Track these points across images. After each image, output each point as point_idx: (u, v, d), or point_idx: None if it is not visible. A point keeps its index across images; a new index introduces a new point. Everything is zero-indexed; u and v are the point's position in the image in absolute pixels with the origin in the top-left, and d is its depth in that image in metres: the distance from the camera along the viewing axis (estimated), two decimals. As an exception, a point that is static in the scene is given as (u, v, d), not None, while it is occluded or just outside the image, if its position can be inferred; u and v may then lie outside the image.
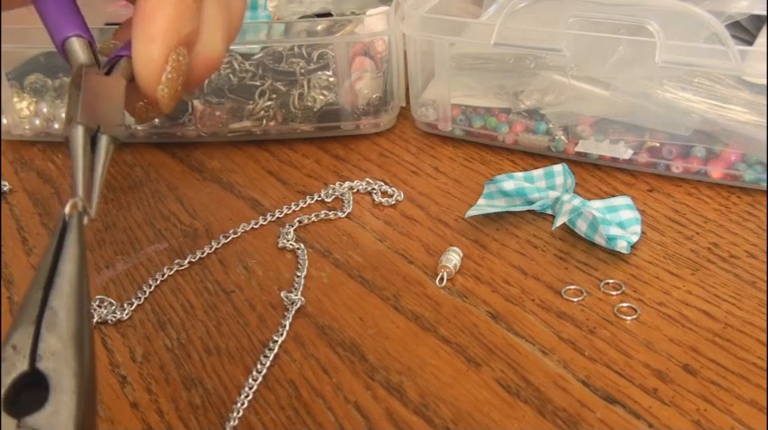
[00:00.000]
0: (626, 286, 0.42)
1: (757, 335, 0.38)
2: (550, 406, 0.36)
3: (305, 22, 0.59)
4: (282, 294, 0.43)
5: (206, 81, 0.58)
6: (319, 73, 0.58)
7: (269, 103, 0.59)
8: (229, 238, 0.49)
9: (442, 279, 0.44)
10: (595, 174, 0.53)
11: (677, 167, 0.51)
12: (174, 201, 0.54)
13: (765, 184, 0.49)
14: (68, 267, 0.24)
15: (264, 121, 0.59)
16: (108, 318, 0.43)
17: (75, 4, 0.33)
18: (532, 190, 0.48)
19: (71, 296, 0.24)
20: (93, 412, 0.24)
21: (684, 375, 0.37)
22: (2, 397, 0.22)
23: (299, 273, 0.45)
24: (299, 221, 0.50)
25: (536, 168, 0.50)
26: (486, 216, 0.49)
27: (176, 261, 0.47)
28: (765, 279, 0.42)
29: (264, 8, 0.62)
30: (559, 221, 0.45)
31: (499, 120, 0.56)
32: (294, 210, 0.52)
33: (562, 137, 0.54)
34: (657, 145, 0.51)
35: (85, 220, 0.26)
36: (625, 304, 0.41)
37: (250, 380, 0.38)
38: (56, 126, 0.62)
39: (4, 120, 0.62)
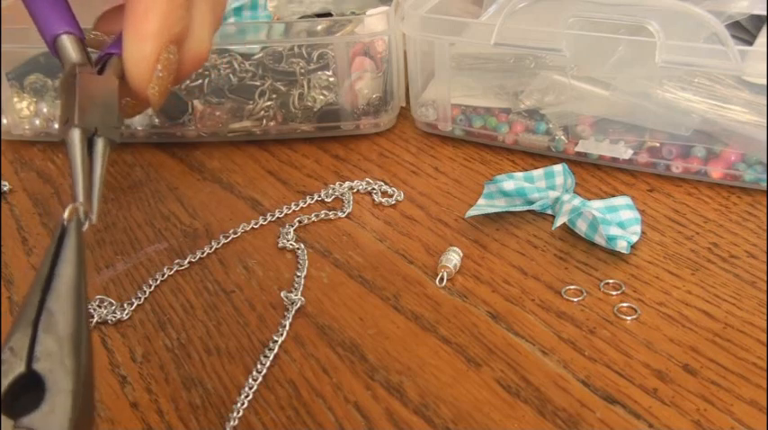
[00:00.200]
0: (626, 286, 0.42)
1: (757, 335, 0.38)
2: (550, 406, 0.36)
3: (305, 22, 0.59)
4: (282, 294, 0.43)
5: (206, 81, 0.58)
6: (319, 73, 0.58)
7: (269, 103, 0.59)
8: (229, 238, 0.49)
9: (442, 279, 0.44)
10: (595, 174, 0.53)
11: (677, 167, 0.51)
12: (174, 201, 0.54)
13: (765, 184, 0.49)
14: (66, 270, 0.24)
15: (264, 121, 0.59)
16: (108, 317, 0.43)
17: (65, 1, 0.33)
18: (532, 190, 0.48)
19: (68, 298, 0.24)
20: (90, 412, 0.24)
21: (684, 375, 0.37)
22: (0, 398, 0.22)
23: (299, 273, 0.45)
24: (299, 221, 0.50)
25: (536, 168, 0.50)
26: (486, 216, 0.49)
27: (176, 261, 0.47)
28: (765, 279, 0.42)
29: (264, 8, 0.62)
30: (559, 221, 0.45)
31: (499, 120, 0.56)
32: (294, 210, 0.52)
33: (562, 137, 0.54)
34: (657, 145, 0.51)
35: (86, 226, 0.27)
36: (625, 304, 0.41)
37: (250, 380, 0.38)
38: (56, 126, 0.62)
39: (4, 120, 0.62)
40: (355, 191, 0.54)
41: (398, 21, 0.57)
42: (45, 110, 0.62)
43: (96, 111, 0.30)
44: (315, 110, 0.59)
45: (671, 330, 0.39)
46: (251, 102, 0.59)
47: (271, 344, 0.40)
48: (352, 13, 0.62)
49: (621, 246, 0.44)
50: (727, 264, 0.44)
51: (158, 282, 0.46)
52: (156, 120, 0.61)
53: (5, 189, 0.57)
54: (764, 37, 0.52)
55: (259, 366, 0.39)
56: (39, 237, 0.51)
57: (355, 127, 0.60)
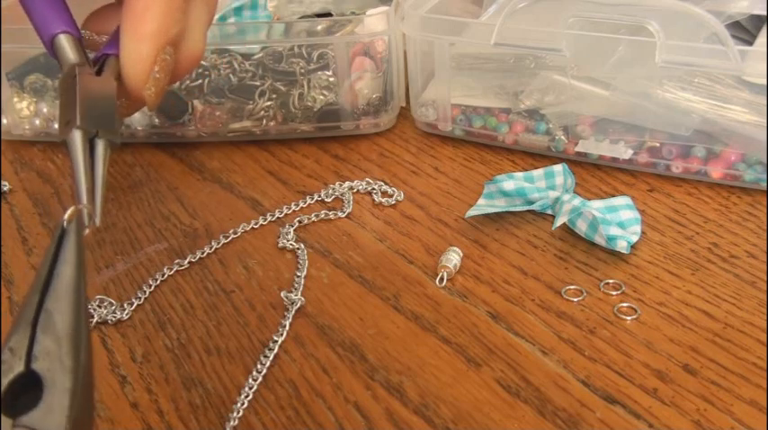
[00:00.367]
0: (626, 286, 0.42)
1: (757, 335, 0.38)
2: (550, 406, 0.36)
3: (305, 22, 0.59)
4: (282, 294, 0.43)
5: (206, 81, 0.58)
6: (319, 73, 0.58)
7: (269, 103, 0.59)
8: (229, 238, 0.49)
9: (442, 279, 0.44)
10: (595, 174, 0.53)
11: (677, 167, 0.51)
12: (174, 201, 0.54)
13: (765, 184, 0.49)
14: (65, 270, 0.24)
15: (264, 121, 0.59)
16: (108, 317, 0.43)
17: (62, 1, 0.33)
18: (532, 190, 0.48)
19: (67, 298, 0.24)
20: (89, 411, 0.24)
21: (684, 375, 0.37)
22: (0, 398, 0.23)
23: (299, 273, 0.45)
24: (299, 221, 0.50)
25: (536, 168, 0.50)
26: (486, 216, 0.49)
27: (176, 261, 0.47)
28: (765, 279, 0.42)
29: (264, 8, 0.62)
30: (559, 221, 0.45)
31: (499, 120, 0.56)
32: (294, 210, 0.52)
33: (562, 137, 0.54)
34: (657, 145, 0.51)
35: (87, 231, 0.27)
36: (625, 304, 0.41)
37: (250, 380, 0.38)
38: (55, 126, 0.62)
39: (4, 120, 0.62)
40: (355, 191, 0.54)
41: (398, 21, 0.57)
42: (45, 110, 0.62)
43: (97, 112, 0.30)
44: (315, 110, 0.59)
45: (671, 330, 0.39)
46: (251, 102, 0.59)
47: (271, 344, 0.40)
48: (352, 13, 0.62)
49: (621, 246, 0.44)
50: (727, 264, 0.44)
51: (158, 282, 0.46)
52: (156, 121, 0.61)
53: (5, 189, 0.57)
54: (764, 37, 0.52)
55: (259, 366, 0.39)
56: (39, 237, 0.51)
57: (355, 127, 0.60)
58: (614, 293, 0.42)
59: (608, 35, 0.50)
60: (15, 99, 0.62)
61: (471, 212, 0.48)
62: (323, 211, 0.51)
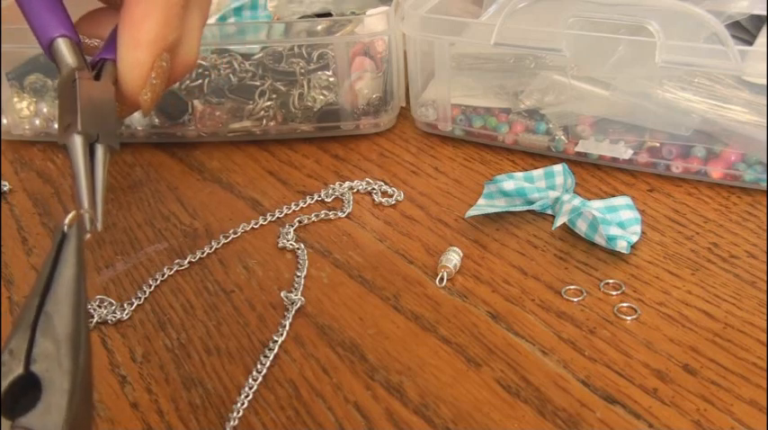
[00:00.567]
0: (626, 286, 0.42)
1: (757, 335, 0.38)
2: (550, 406, 0.36)
3: (305, 22, 0.59)
4: (282, 294, 0.43)
5: (206, 81, 0.58)
6: (319, 73, 0.58)
7: (269, 103, 0.59)
8: (229, 238, 0.49)
9: (442, 279, 0.44)
10: (595, 174, 0.53)
11: (677, 167, 0.51)
12: (174, 201, 0.54)
13: (765, 184, 0.49)
14: (65, 273, 0.25)
15: (264, 121, 0.59)
16: (108, 317, 0.43)
17: (61, 4, 0.33)
18: (532, 190, 0.48)
19: (66, 300, 0.24)
20: (88, 413, 0.24)
21: (684, 375, 0.37)
22: (0, 400, 0.23)
23: (299, 273, 0.45)
24: (299, 221, 0.50)
25: (536, 168, 0.50)
26: (486, 216, 0.49)
27: (176, 261, 0.47)
28: (765, 279, 0.42)
29: (264, 8, 0.62)
30: (559, 221, 0.45)
31: (499, 120, 0.56)
32: (294, 210, 0.52)
33: (562, 137, 0.54)
34: (657, 145, 0.51)
35: (88, 236, 0.27)
36: (625, 304, 0.41)
37: (250, 380, 0.38)
38: (56, 126, 0.62)
39: (4, 120, 0.62)
40: (355, 191, 0.54)
41: (398, 21, 0.57)
42: (45, 110, 0.62)
43: (97, 117, 0.30)
44: (315, 110, 0.59)
45: (671, 330, 0.39)
46: (251, 102, 0.59)
47: (271, 344, 0.40)
48: (352, 13, 0.62)
49: (621, 246, 0.44)
50: (727, 264, 0.44)
51: (158, 282, 0.46)
52: (156, 121, 0.61)
53: (5, 189, 0.57)
54: (764, 37, 0.52)
55: (259, 366, 0.39)
56: (39, 237, 0.51)
57: (355, 127, 0.60)
58: (614, 293, 0.42)
59: (608, 35, 0.50)
60: (15, 99, 0.62)
61: (471, 212, 0.48)
62: (323, 211, 0.51)
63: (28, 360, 0.23)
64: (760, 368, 0.37)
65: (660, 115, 0.50)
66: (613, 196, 0.48)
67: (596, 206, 0.46)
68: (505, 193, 0.49)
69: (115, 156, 0.61)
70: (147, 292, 0.45)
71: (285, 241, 0.48)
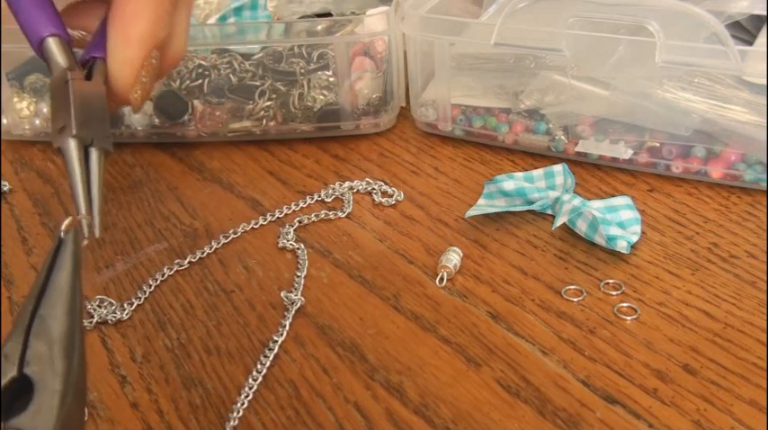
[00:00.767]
0: (626, 286, 0.42)
1: (757, 335, 0.38)
2: (550, 406, 0.36)
3: (305, 22, 0.59)
4: (282, 294, 0.43)
5: (206, 81, 0.58)
6: (319, 73, 0.58)
7: (269, 103, 0.59)
8: (229, 238, 0.49)
9: (442, 279, 0.44)
10: (595, 174, 0.53)
11: (677, 167, 0.51)
12: (174, 201, 0.54)
13: (765, 184, 0.49)
14: (60, 277, 0.25)
15: (264, 121, 0.59)
16: (108, 317, 0.43)
17: (51, 2, 0.32)
18: (532, 190, 0.48)
19: (61, 303, 0.25)
20: (80, 414, 0.25)
21: (684, 375, 0.37)
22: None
23: (299, 273, 0.45)
24: (299, 221, 0.50)
25: (536, 168, 0.50)
26: (486, 216, 0.49)
27: (176, 261, 0.47)
28: (765, 279, 0.42)
29: (264, 8, 0.62)
30: (559, 221, 0.45)
31: (499, 120, 0.56)
32: (294, 210, 0.52)
33: (562, 137, 0.54)
34: (657, 145, 0.51)
35: (86, 242, 0.27)
36: (625, 304, 0.41)
37: (250, 380, 0.38)
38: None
39: (4, 120, 0.62)
40: (355, 191, 0.54)
41: (398, 21, 0.57)
42: (45, 110, 0.62)
43: (91, 120, 0.30)
44: (315, 110, 0.59)
45: (671, 330, 0.39)
46: (251, 102, 0.59)
47: (271, 344, 0.40)
48: (352, 13, 0.62)
49: (621, 246, 0.44)
50: (727, 264, 0.44)
51: (158, 282, 0.46)
52: (156, 121, 0.61)
53: (5, 189, 0.57)
54: (764, 37, 0.52)
55: (259, 366, 0.39)
56: (39, 237, 0.51)
57: (355, 127, 0.60)
58: (614, 293, 0.42)
59: (608, 35, 0.50)
60: (15, 99, 0.62)
61: (471, 212, 0.48)
62: (323, 211, 0.51)
63: (22, 363, 0.24)
64: (760, 368, 0.37)
65: (660, 115, 0.50)
66: (613, 196, 0.48)
67: (596, 206, 0.46)
68: (505, 193, 0.49)
69: (115, 155, 0.61)
70: (147, 292, 0.45)
71: (285, 241, 0.48)
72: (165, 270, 0.47)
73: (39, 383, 0.23)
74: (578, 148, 0.53)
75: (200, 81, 0.59)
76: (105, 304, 0.44)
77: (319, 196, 0.53)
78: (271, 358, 0.39)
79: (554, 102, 0.54)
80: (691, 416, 0.34)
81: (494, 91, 0.57)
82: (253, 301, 0.44)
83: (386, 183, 0.54)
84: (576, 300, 0.42)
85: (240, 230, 0.50)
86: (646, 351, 0.38)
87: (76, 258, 0.25)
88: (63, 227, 0.26)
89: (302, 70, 0.58)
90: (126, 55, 0.30)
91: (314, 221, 0.51)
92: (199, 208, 0.53)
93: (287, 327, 0.41)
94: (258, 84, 0.58)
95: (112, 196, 0.55)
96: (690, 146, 0.51)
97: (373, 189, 0.53)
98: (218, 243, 0.49)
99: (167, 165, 0.59)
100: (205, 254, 0.48)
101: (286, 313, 0.42)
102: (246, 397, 0.37)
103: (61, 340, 0.24)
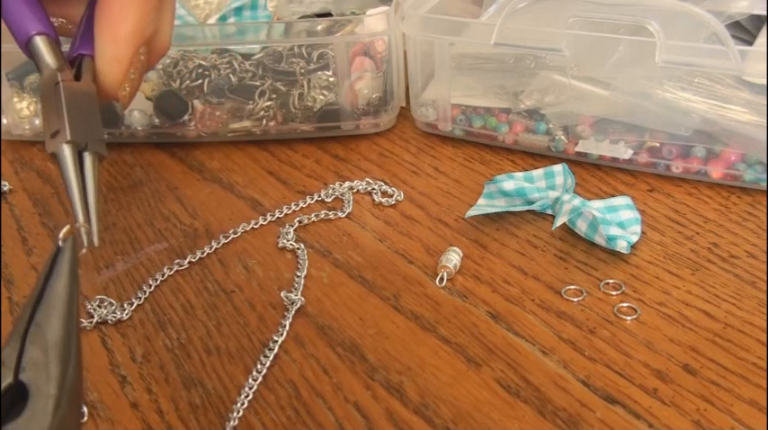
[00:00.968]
0: (626, 286, 0.42)
1: (757, 335, 0.38)
2: (550, 406, 0.36)
3: (305, 22, 0.59)
4: (282, 294, 0.43)
5: (206, 81, 0.58)
6: (319, 73, 0.58)
7: (269, 103, 0.59)
8: (229, 238, 0.49)
9: (442, 279, 0.44)
10: (595, 174, 0.53)
11: (677, 167, 0.51)
12: (174, 201, 0.54)
13: (765, 184, 0.49)
14: (57, 284, 0.25)
15: (264, 121, 0.59)
16: (108, 318, 0.43)
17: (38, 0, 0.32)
18: (532, 190, 0.48)
19: (56, 309, 0.25)
20: (75, 419, 0.25)
21: (684, 375, 0.37)
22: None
23: (299, 273, 0.45)
24: (299, 221, 0.50)
25: (536, 168, 0.50)
26: (486, 216, 0.49)
27: (176, 261, 0.47)
28: (765, 279, 0.42)
29: (264, 8, 0.62)
30: (559, 221, 0.45)
31: (499, 120, 0.56)
32: (294, 210, 0.52)
33: (562, 137, 0.54)
34: (657, 145, 0.51)
35: (84, 250, 0.27)
36: (625, 304, 0.41)
37: (250, 380, 0.38)
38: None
39: (4, 120, 0.62)
40: (355, 191, 0.54)
41: (398, 21, 0.57)
42: (45, 110, 0.62)
43: (84, 123, 0.30)
44: (315, 110, 0.59)
45: (671, 330, 0.39)
46: (251, 102, 0.59)
47: (271, 344, 0.40)
48: (352, 13, 0.62)
49: (621, 246, 0.44)
50: (727, 264, 0.44)
51: (158, 282, 0.46)
52: (156, 121, 0.61)
53: (5, 189, 0.57)
54: (764, 37, 0.52)
55: (259, 366, 0.39)
56: (39, 237, 0.51)
57: (355, 127, 0.60)
58: (614, 293, 0.42)
59: (608, 35, 0.50)
60: (15, 99, 0.62)
61: (471, 212, 0.48)
62: (323, 211, 0.51)
63: (18, 369, 0.24)
64: (760, 368, 0.37)
65: (660, 115, 0.50)
66: (613, 196, 0.48)
67: (596, 206, 0.46)
68: (505, 193, 0.49)
69: (115, 155, 0.61)
70: (147, 292, 0.45)
71: (285, 241, 0.48)
72: (165, 270, 0.47)
73: (33, 388, 0.23)
74: (578, 148, 0.54)
75: (200, 81, 0.59)
76: (105, 304, 0.44)
77: (319, 196, 0.53)
78: (271, 358, 0.39)
79: (554, 102, 0.54)
80: (691, 416, 0.34)
81: (494, 91, 0.57)
82: (253, 301, 0.44)
83: (386, 183, 0.54)
84: (576, 300, 0.42)
85: (240, 230, 0.50)
86: (646, 351, 0.38)
87: (74, 266, 0.26)
88: (61, 235, 0.26)
89: (302, 70, 0.58)
90: (114, 53, 0.30)
91: (314, 221, 0.51)
92: (199, 208, 0.53)
93: (287, 327, 0.41)
94: (258, 84, 0.58)
95: (112, 196, 0.55)
96: (690, 146, 0.51)
97: (373, 189, 0.53)
98: (218, 243, 0.49)
99: (167, 165, 0.59)
100: (205, 254, 0.48)
101: (286, 313, 0.42)
102: (246, 397, 0.37)
103: (57, 346, 0.24)
